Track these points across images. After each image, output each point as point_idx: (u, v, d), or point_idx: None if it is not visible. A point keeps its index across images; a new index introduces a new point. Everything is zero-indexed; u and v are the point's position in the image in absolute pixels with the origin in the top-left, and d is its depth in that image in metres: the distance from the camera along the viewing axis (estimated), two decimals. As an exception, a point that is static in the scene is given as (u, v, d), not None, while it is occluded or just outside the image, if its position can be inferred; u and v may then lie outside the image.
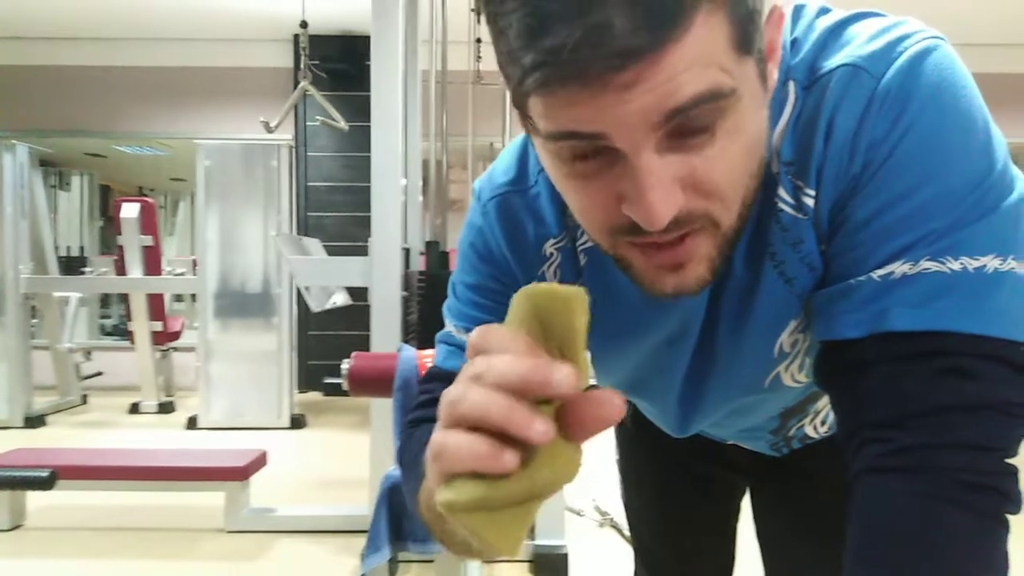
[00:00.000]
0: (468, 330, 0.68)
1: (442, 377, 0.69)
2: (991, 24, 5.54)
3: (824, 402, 0.78)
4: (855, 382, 0.52)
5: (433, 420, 0.65)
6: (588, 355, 0.41)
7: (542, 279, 0.67)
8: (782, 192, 0.56)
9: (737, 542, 1.03)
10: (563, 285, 0.40)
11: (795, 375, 0.67)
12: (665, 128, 0.44)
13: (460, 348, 0.68)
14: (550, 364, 0.36)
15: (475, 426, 0.37)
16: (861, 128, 0.51)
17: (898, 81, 0.50)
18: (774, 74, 0.51)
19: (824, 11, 0.57)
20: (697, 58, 0.42)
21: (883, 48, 0.51)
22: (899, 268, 0.50)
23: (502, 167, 0.68)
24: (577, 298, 0.39)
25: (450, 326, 0.71)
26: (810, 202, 0.55)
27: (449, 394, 0.39)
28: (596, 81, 0.42)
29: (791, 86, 0.55)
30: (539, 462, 0.37)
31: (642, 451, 1.01)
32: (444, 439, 0.38)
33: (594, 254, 0.64)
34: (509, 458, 0.36)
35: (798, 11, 0.58)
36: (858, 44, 0.53)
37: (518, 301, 0.41)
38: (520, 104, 0.47)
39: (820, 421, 0.81)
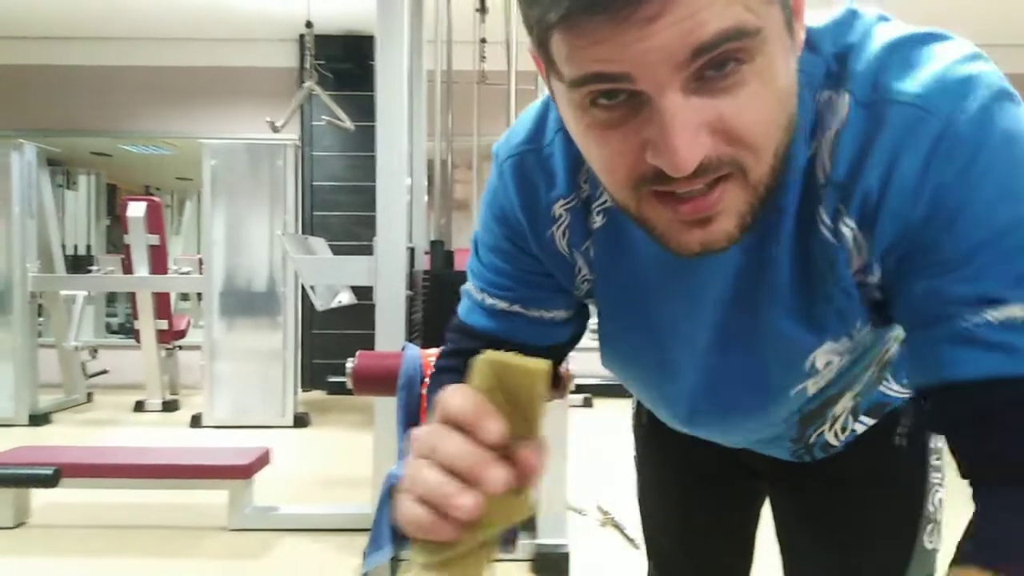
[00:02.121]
0: (485, 291, 0.72)
1: (462, 330, 0.75)
2: (996, 23, 5.51)
3: (842, 407, 0.76)
4: (988, 426, 0.51)
5: (453, 370, 0.73)
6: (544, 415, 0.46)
7: (551, 240, 0.68)
8: (822, 211, 0.55)
9: (755, 550, 1.02)
10: (526, 358, 0.45)
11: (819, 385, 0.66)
12: (691, 68, 0.44)
13: (479, 307, 0.73)
14: (487, 463, 0.43)
15: (424, 500, 0.44)
16: (927, 173, 0.50)
17: (969, 128, 0.49)
18: (801, 33, 0.51)
19: (884, 19, 0.56)
20: None
21: (953, 89, 0.50)
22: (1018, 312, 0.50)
23: (519, 127, 0.69)
24: (540, 372, 0.44)
25: (470, 284, 0.74)
26: (847, 232, 0.54)
27: (410, 467, 0.46)
28: (618, 13, 0.42)
29: (846, 97, 0.53)
30: (488, 515, 0.44)
31: (660, 454, 0.99)
32: (402, 507, 0.45)
33: (613, 215, 0.64)
34: (448, 529, 0.44)
35: (853, 15, 0.56)
36: (926, 77, 0.51)
37: (481, 369, 0.45)
38: (544, 46, 0.47)
39: (840, 427, 0.79)
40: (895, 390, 0.78)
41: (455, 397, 0.45)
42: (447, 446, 0.44)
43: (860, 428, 0.79)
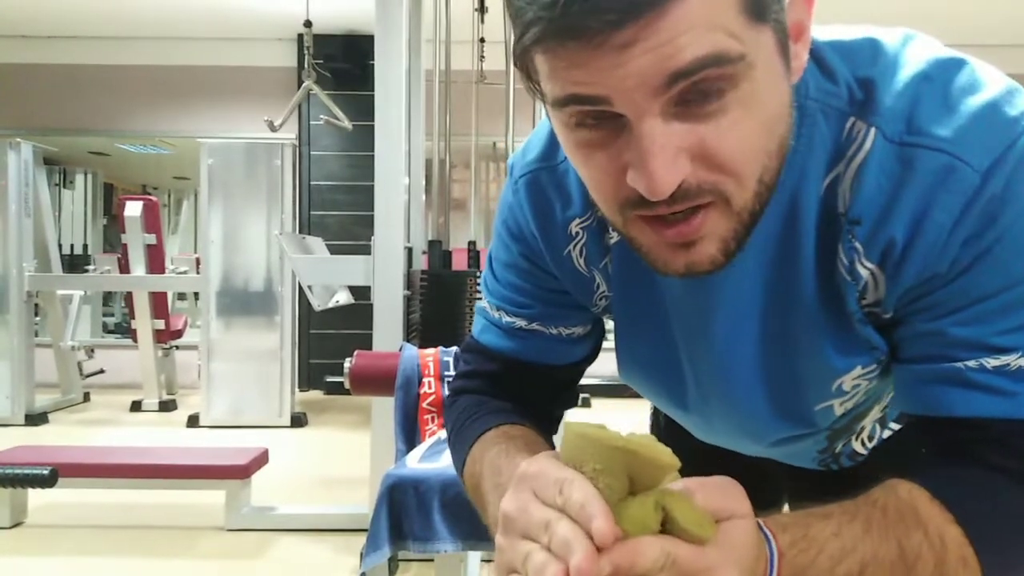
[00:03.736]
0: (501, 309, 0.72)
1: (479, 350, 0.74)
2: (994, 25, 5.53)
3: (871, 419, 0.76)
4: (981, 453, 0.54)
5: (471, 391, 0.72)
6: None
7: (568, 259, 0.67)
8: (840, 249, 0.54)
9: None
10: (658, 447, 0.42)
11: (846, 406, 0.66)
12: (669, 93, 0.43)
13: (495, 326, 0.72)
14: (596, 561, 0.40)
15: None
16: (957, 229, 0.50)
17: (1003, 187, 0.49)
18: (802, 55, 0.50)
19: (909, 39, 0.54)
20: (700, 19, 0.41)
21: (992, 138, 0.49)
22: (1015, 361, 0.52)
23: (535, 142, 0.68)
24: (672, 467, 0.42)
25: (486, 302, 0.74)
26: (863, 272, 0.54)
27: (513, 545, 0.45)
28: (593, 39, 0.41)
29: (872, 130, 0.52)
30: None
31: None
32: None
33: None
34: None
35: (874, 43, 0.54)
36: (962, 120, 0.50)
37: (612, 455, 0.42)
38: (525, 66, 0.47)
39: (867, 436, 0.78)
40: None
41: (575, 490, 0.42)
42: (561, 531, 0.41)
43: (887, 434, 0.78)
